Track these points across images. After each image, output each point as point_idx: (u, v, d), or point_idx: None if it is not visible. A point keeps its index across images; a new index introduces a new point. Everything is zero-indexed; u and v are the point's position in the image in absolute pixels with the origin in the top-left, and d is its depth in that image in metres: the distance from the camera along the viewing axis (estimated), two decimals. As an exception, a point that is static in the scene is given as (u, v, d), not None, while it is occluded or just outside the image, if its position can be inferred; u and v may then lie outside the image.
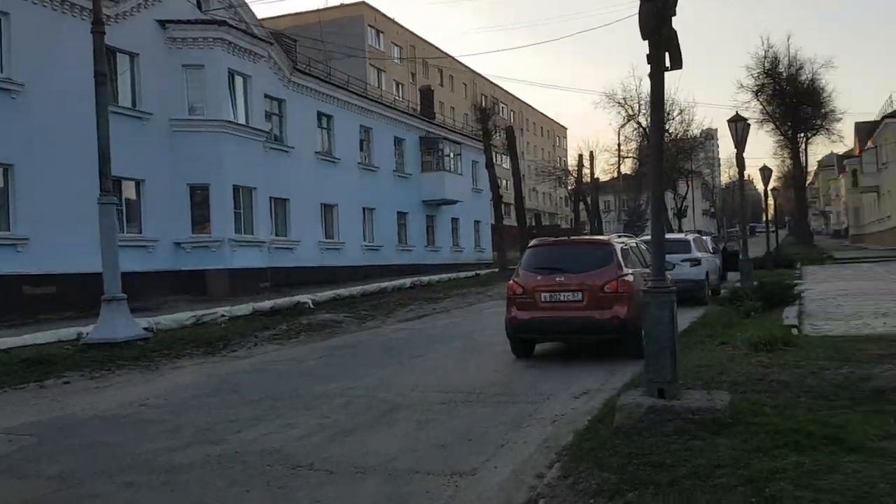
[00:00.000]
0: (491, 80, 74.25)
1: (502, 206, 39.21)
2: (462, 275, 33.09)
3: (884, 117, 56.76)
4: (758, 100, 54.62)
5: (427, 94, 44.37)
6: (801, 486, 3.81)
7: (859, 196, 70.44)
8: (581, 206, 55.17)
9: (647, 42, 5.58)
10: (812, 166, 78.59)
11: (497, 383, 8.83)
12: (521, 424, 6.66)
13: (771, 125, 56.52)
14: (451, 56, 63.91)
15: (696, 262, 18.31)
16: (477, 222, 44.73)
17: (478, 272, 35.05)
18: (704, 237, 25.14)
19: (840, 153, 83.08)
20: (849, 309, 11.55)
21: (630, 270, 10.13)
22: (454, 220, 41.62)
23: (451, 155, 39.77)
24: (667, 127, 47.66)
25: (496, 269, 35.58)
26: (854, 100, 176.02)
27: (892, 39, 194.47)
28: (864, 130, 66.12)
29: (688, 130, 62.26)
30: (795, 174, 61.33)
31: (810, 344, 7.14)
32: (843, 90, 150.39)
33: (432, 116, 43.42)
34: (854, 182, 73.22)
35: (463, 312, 19.34)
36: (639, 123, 58.93)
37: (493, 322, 13.17)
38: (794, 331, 8.53)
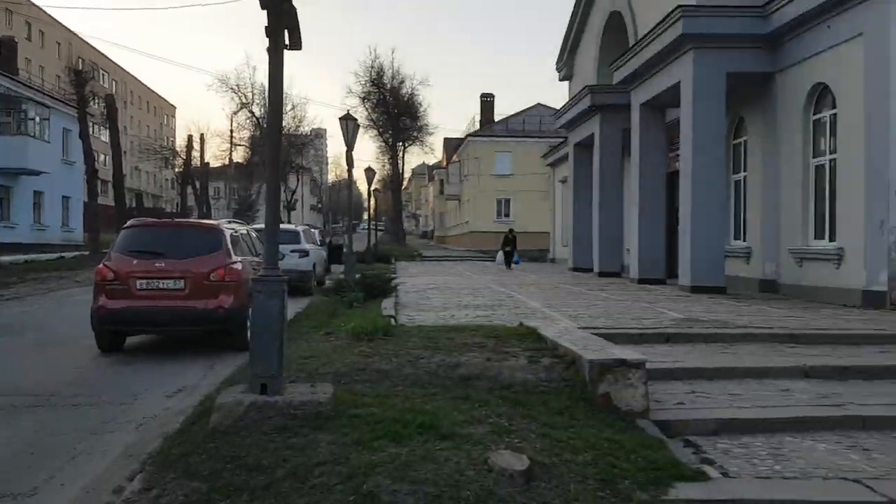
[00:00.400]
0: (91, 42, 66.82)
1: (98, 182, 35.38)
2: (44, 257, 28.99)
3: (467, 135, 65.17)
4: (364, 106, 58.08)
5: (8, 46, 37.91)
6: (398, 478, 3.81)
7: (444, 203, 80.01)
8: (189, 189, 52.56)
9: (266, 14, 5.22)
10: (407, 173, 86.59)
11: (76, 382, 7.67)
12: (101, 431, 5.79)
13: (374, 131, 60.57)
14: (37, 6, 55.55)
15: (305, 253, 18.54)
16: (66, 198, 39.57)
17: (63, 254, 31.02)
18: (313, 230, 25.67)
19: (430, 164, 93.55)
20: (437, 301, 12.64)
21: (239, 258, 9.67)
22: (37, 194, 36.25)
23: (38, 119, 34.56)
24: (281, 119, 47.78)
25: (87, 252, 31.93)
26: (445, 117, 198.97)
27: (476, 65, 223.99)
28: (452, 145, 75.23)
29: (299, 126, 63.76)
30: (393, 178, 66.66)
31: (407, 334, 7.50)
32: (436, 107, 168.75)
33: (14, 72, 37.25)
34: (441, 190, 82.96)
35: (41, 300, 16.81)
36: (252, 112, 58.35)
37: (78, 311, 11.56)
38: (392, 321, 8.91)
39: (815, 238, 14.33)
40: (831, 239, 13.71)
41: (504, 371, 5.90)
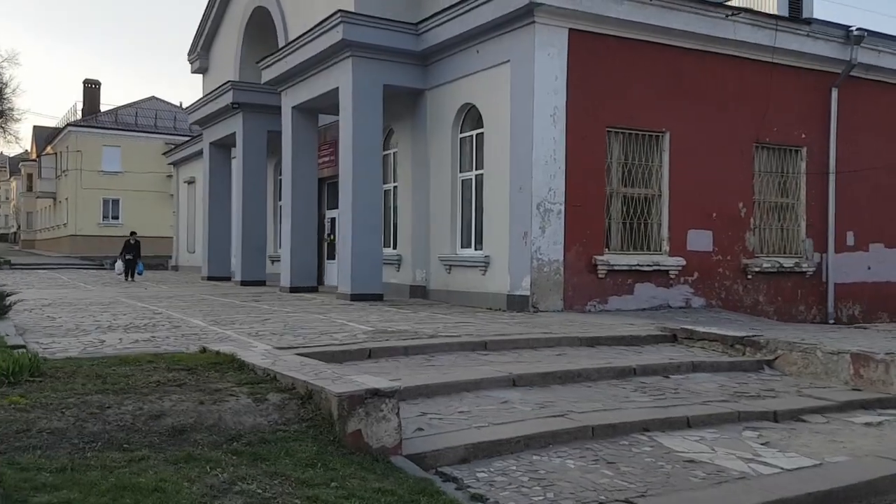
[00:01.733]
0: None
1: None
2: None
3: (68, 124, 57.41)
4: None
5: None
6: None
7: (34, 201, 69.42)
8: None
9: None
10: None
11: None
12: None
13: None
14: None
15: None
16: None
17: None
18: None
19: (13, 155, 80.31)
20: (67, 322, 10.40)
21: None
22: None
23: None
24: None
25: None
26: (36, 102, 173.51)
27: (80, 48, 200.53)
28: (44, 135, 65.66)
29: None
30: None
31: (64, 371, 5.75)
32: (27, 90, 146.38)
33: None
34: (29, 186, 71.84)
35: None
36: None
37: None
38: (21, 352, 6.90)
39: (462, 247, 15.24)
40: (477, 248, 14.70)
41: (226, 416, 4.75)
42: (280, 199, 23.48)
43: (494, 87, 13.86)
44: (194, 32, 24.81)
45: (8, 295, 9.72)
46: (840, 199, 16.22)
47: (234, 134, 22.48)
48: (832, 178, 16.13)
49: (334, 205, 20.43)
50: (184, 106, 61.26)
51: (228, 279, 24.27)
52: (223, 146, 24.70)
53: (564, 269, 13.10)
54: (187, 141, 37.64)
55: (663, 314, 13.36)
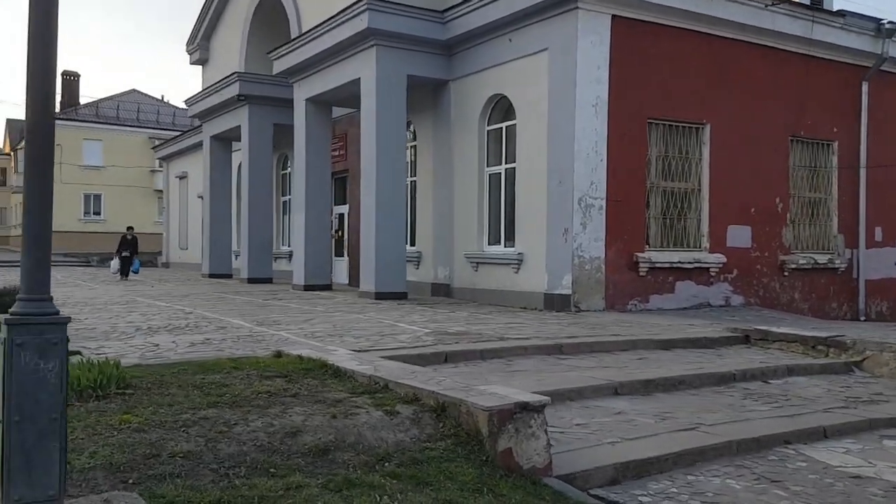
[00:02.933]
0: None
1: None
2: None
3: (48, 118, 55.83)
4: None
5: None
6: None
7: (9, 196, 67.68)
8: None
9: None
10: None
11: None
12: None
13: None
14: None
15: None
16: None
17: None
18: None
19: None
20: (98, 324, 9.74)
21: None
22: None
23: None
24: None
25: None
26: (10, 93, 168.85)
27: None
28: (18, 128, 63.92)
29: None
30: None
31: (150, 381, 5.17)
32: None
33: None
34: (3, 181, 70.05)
35: None
36: None
37: None
38: (95, 359, 6.31)
39: (489, 244, 14.75)
40: (508, 244, 14.21)
41: (365, 433, 4.22)
42: (284, 195, 22.89)
43: (529, 76, 13.37)
44: (194, 22, 24.00)
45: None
46: (869, 195, 16.00)
47: (237, 127, 21.76)
48: (863, 172, 15.89)
49: (342, 200, 19.87)
50: (166, 99, 60.56)
51: (230, 276, 23.57)
52: (224, 140, 23.94)
53: (606, 266, 12.66)
54: (178, 135, 36.71)
55: (706, 313, 12.98)
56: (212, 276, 23.47)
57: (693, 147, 13.84)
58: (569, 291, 12.41)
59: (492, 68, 14.30)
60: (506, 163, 14.36)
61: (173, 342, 7.84)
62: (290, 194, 23.03)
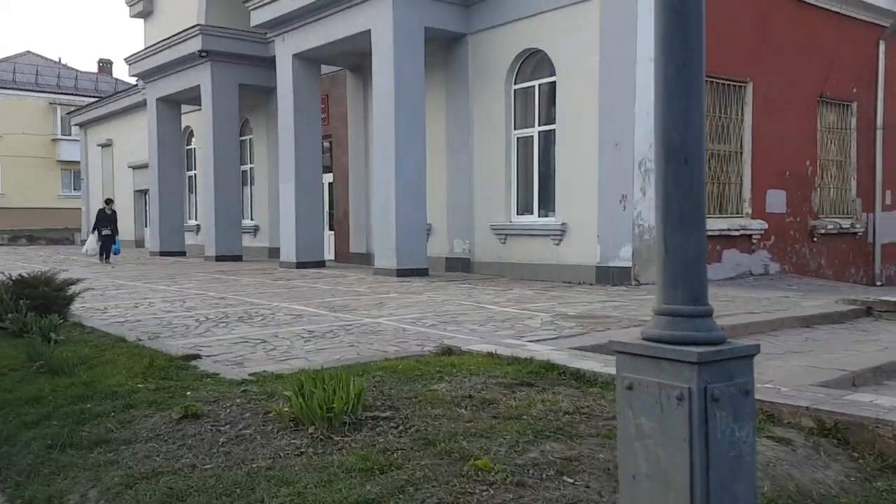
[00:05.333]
0: None
1: None
2: None
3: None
4: None
5: None
6: None
7: None
8: None
9: None
10: None
11: None
12: None
13: None
14: None
15: None
16: None
17: None
18: None
19: None
20: (144, 318, 7.97)
21: None
22: None
23: None
24: None
25: None
26: None
27: None
28: None
29: None
30: None
31: (382, 398, 3.78)
32: None
33: None
34: None
35: None
36: None
37: None
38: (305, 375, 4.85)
39: (518, 214, 13.59)
40: (544, 214, 13.10)
41: (793, 473, 3.01)
42: (243, 164, 20.90)
43: (573, 28, 12.17)
44: (136, -31, 21.33)
45: (69, 282, 7.15)
46: (885, 158, 15.79)
47: (193, 88, 19.54)
48: (879, 134, 15.64)
49: (327, 169, 18.18)
50: (63, 62, 55.57)
51: (183, 254, 21.44)
52: (173, 102, 21.58)
53: (664, 235, 11.74)
54: (98, 99, 33.43)
55: (753, 282, 12.38)
56: (163, 254, 21.23)
57: (735, 106, 13.07)
58: (628, 264, 11.43)
59: (522, 20, 13.00)
60: (540, 124, 13.17)
61: (288, 342, 6.30)
62: (251, 162, 21.10)
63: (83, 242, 33.49)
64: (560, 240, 12.53)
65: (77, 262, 18.47)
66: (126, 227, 29.26)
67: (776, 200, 13.67)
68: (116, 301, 9.24)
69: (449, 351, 5.39)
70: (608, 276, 11.62)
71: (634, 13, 11.20)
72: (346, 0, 13.89)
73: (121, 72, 72.73)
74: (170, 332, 6.81)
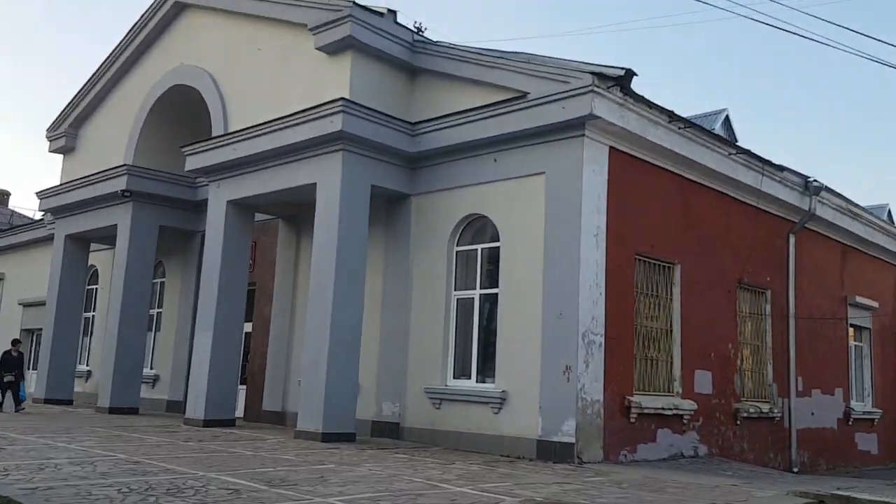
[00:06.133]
0: None
1: None
2: None
3: None
4: None
5: None
6: None
7: None
8: None
9: None
10: None
11: None
12: None
13: None
14: None
15: None
16: None
17: None
18: None
19: None
20: (34, 475, 6.83)
21: None
22: None
23: None
24: None
25: None
26: None
27: None
28: None
29: None
30: None
31: None
32: None
33: None
34: None
35: None
36: None
37: None
38: None
39: (455, 377, 13.14)
40: (483, 380, 12.71)
41: None
42: (160, 307, 19.78)
43: (518, 198, 12.44)
44: (62, 107, 20.85)
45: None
46: (797, 345, 16.50)
47: (108, 227, 18.68)
48: (792, 321, 16.43)
49: (246, 318, 17.35)
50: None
51: (70, 402, 19.51)
52: (82, 240, 20.50)
53: (604, 411, 11.55)
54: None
55: (688, 465, 12.22)
56: (48, 401, 19.24)
57: (666, 286, 13.47)
58: (572, 439, 11.04)
59: (468, 187, 13.24)
60: (481, 287, 13.09)
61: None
62: (159, 307, 19.96)
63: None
64: (499, 408, 12.08)
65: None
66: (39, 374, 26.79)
67: (703, 381, 13.84)
68: (16, 460, 7.96)
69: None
70: (550, 451, 11.15)
71: (579, 190, 11.60)
72: (291, 153, 13.84)
73: (17, 203, 69.91)
74: (92, 505, 5.80)
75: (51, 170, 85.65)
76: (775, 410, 15.64)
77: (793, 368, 16.32)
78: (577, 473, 9.76)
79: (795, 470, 15.75)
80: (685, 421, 13.15)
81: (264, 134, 14.02)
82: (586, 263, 11.53)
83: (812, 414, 17.11)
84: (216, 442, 11.64)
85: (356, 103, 12.92)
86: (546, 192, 12.04)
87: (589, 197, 11.71)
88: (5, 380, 16.63)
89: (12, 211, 49.02)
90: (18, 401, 16.54)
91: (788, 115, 75.71)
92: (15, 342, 18.11)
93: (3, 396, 16.59)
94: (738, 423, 14.53)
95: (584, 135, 11.72)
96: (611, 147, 12.20)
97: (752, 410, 14.81)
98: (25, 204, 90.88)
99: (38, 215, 34.65)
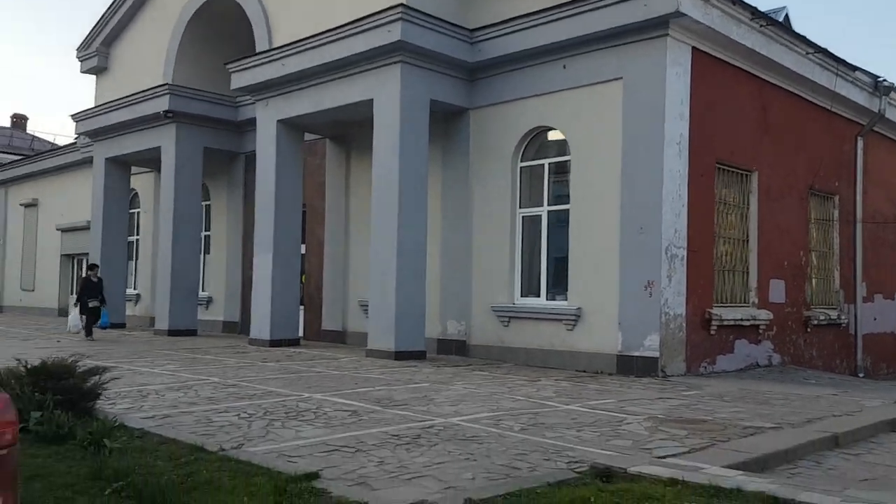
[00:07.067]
0: None
1: None
2: None
3: None
4: None
5: None
6: None
7: None
8: None
9: None
10: None
11: None
12: None
13: None
14: None
15: None
16: None
17: None
18: None
19: None
20: (142, 403, 6.74)
21: None
22: None
23: None
24: None
25: None
26: None
27: None
28: None
29: None
30: None
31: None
32: None
33: None
34: None
35: None
36: None
37: None
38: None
39: (522, 295, 12.91)
40: (554, 297, 12.48)
41: None
42: (208, 230, 19.59)
43: (591, 108, 11.86)
44: (92, 25, 20.14)
45: (94, 371, 5.86)
46: (864, 250, 16.11)
47: (151, 149, 18.28)
48: (859, 227, 15.97)
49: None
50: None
51: (122, 325, 19.59)
52: (122, 163, 20.14)
53: (686, 325, 11.31)
54: (22, 158, 31.23)
55: (771, 375, 12.07)
56: (102, 326, 19.32)
57: (742, 194, 12.99)
58: (655, 354, 10.85)
59: (533, 97, 12.64)
60: (549, 204, 12.68)
61: (368, 444, 5.28)
62: (207, 230, 19.76)
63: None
64: (574, 325, 11.88)
65: (60, 339, 15.82)
66: (49, 294, 26.98)
67: (777, 290, 13.54)
68: (116, 388, 7.87)
69: (607, 473, 4.53)
70: (631, 365, 10.99)
71: (662, 95, 10.99)
72: (344, 68, 13.23)
73: (36, 127, 69.39)
74: (226, 434, 5.66)
75: (69, 93, 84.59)
76: (842, 317, 15.39)
77: (859, 274, 15.98)
78: (669, 387, 9.60)
79: (861, 375, 15.64)
80: (761, 331, 12.92)
81: (315, 47, 13.38)
82: (669, 174, 11.06)
83: (874, 319, 16.87)
84: (294, 362, 11.59)
85: (416, 10, 12.21)
86: (623, 99, 11.45)
87: (672, 102, 11.11)
88: (90, 305, 16.29)
89: (32, 136, 48.61)
90: (91, 328, 16.30)
91: (847, 12, 72.48)
92: (93, 267, 17.52)
93: (88, 322, 16.27)
94: (809, 330, 14.31)
95: (667, 34, 11.01)
96: (693, 48, 11.50)
97: (821, 318, 14.56)
98: (44, 128, 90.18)
99: (59, 140, 34.16)
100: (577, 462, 4.98)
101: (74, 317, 16.48)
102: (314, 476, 4.28)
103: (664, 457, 5.22)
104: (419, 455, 5.11)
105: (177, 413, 6.63)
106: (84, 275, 17.20)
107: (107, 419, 5.00)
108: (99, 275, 17.16)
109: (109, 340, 15.65)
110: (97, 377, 5.90)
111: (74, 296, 17.31)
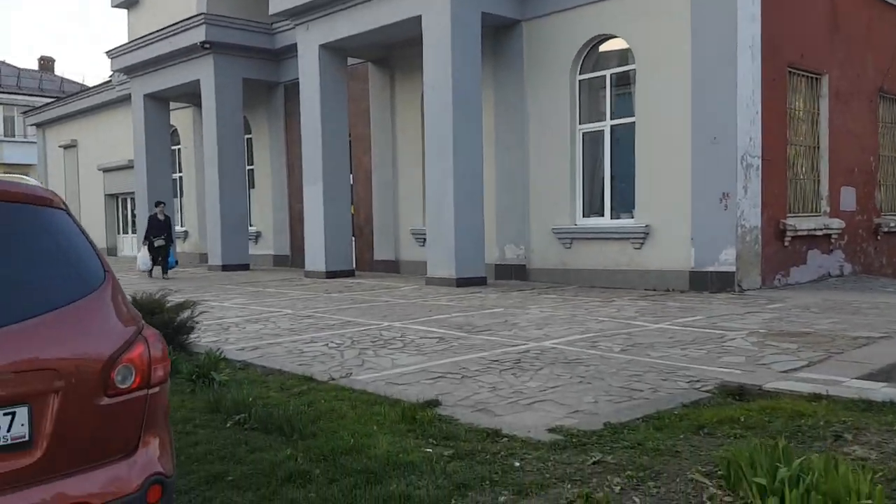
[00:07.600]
0: None
1: None
2: None
3: None
4: None
5: None
6: None
7: None
8: None
9: None
10: None
11: None
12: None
13: None
14: None
15: None
16: None
17: None
18: None
19: None
20: (228, 336, 6.63)
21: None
22: None
23: None
24: None
25: None
26: None
27: None
28: None
29: None
30: None
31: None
32: None
33: None
34: None
35: None
36: None
37: None
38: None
39: (584, 216, 12.55)
40: (617, 216, 12.10)
41: None
42: (251, 164, 19.36)
43: (655, 13, 11.19)
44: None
45: (184, 305, 5.73)
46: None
47: (189, 83, 17.91)
48: (928, 130, 15.18)
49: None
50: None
51: (176, 262, 19.62)
52: (161, 99, 19.83)
53: (762, 236, 10.90)
54: (58, 98, 31.09)
55: (838, 283, 11.71)
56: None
57: (812, 100, 12.33)
58: (732, 268, 10.50)
59: (590, 4, 11.97)
60: (612, 118, 12.16)
61: (470, 370, 5.09)
62: (250, 164, 19.52)
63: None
64: (642, 243, 11.53)
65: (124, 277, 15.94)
66: (97, 234, 27.20)
67: (848, 197, 12.99)
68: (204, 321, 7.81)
69: (740, 391, 4.27)
70: (705, 281, 10.67)
71: (734, 6, 10.28)
72: (392, -15, 12.63)
73: (64, 69, 69.22)
74: (322, 364, 5.51)
75: (92, 34, 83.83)
76: (913, 224, 14.81)
77: (928, 179, 15.28)
78: (751, 301, 9.28)
79: (930, 284, 15.14)
80: (832, 240, 12.47)
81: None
82: (743, 80, 10.45)
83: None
84: (355, 292, 11.46)
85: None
86: (692, 1, 10.75)
87: (744, 2, 10.41)
88: (156, 244, 15.93)
89: (61, 77, 48.41)
90: (167, 266, 16.13)
91: None
92: (158, 204, 16.64)
93: (155, 261, 15.98)
94: (879, 238, 13.80)
95: (735, -72, 10.24)
96: (761, -59, 10.71)
97: (892, 224, 14.02)
98: (71, 69, 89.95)
99: (87, 80, 33.60)
100: (697, 381, 4.75)
101: (143, 255, 16.16)
102: (436, 403, 4.10)
103: (788, 371, 4.96)
104: (528, 380, 4.91)
105: (265, 345, 6.52)
106: (151, 213, 16.91)
107: (211, 352, 4.87)
108: (166, 212, 16.65)
109: (167, 278, 15.70)
110: (189, 311, 5.76)
111: (140, 234, 17.07)
